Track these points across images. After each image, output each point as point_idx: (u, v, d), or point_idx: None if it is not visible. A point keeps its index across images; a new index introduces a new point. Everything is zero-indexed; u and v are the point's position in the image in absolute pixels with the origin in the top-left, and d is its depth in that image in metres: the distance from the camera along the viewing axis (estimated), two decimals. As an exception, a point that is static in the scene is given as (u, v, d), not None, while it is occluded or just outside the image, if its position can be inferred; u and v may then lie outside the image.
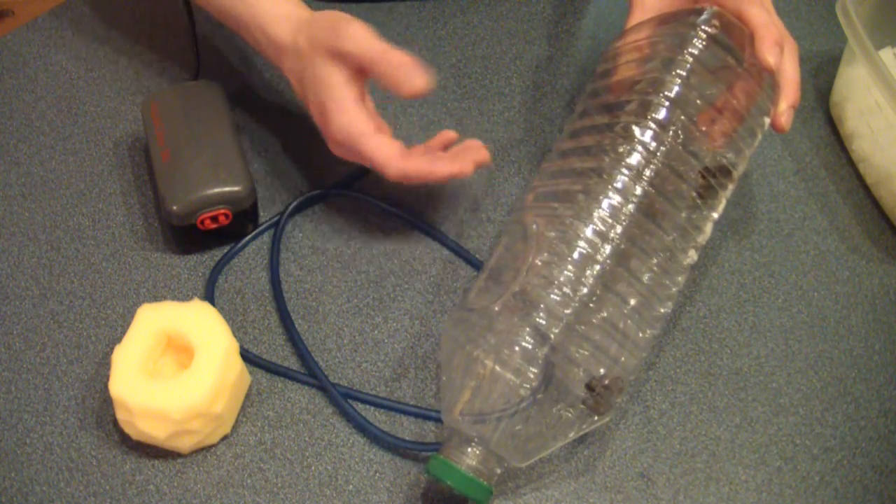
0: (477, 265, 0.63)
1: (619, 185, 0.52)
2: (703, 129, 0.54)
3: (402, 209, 0.65)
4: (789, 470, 0.55)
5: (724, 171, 0.55)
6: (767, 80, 0.56)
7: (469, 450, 0.49)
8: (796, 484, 0.55)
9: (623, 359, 0.50)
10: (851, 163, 0.71)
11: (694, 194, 0.54)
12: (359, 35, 0.54)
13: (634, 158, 0.52)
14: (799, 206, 0.68)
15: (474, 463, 0.48)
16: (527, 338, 0.48)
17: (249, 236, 0.63)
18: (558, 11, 0.80)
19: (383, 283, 0.62)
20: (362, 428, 0.55)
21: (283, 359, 0.58)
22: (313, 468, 0.54)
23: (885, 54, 0.71)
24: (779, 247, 0.66)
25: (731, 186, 0.56)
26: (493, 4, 0.80)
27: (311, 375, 0.57)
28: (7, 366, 0.57)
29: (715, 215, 0.55)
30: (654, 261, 0.52)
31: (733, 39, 0.56)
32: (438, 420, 0.56)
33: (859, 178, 0.70)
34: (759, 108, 0.57)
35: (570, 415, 0.49)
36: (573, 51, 0.77)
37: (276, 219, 0.64)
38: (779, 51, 0.54)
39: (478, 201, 0.67)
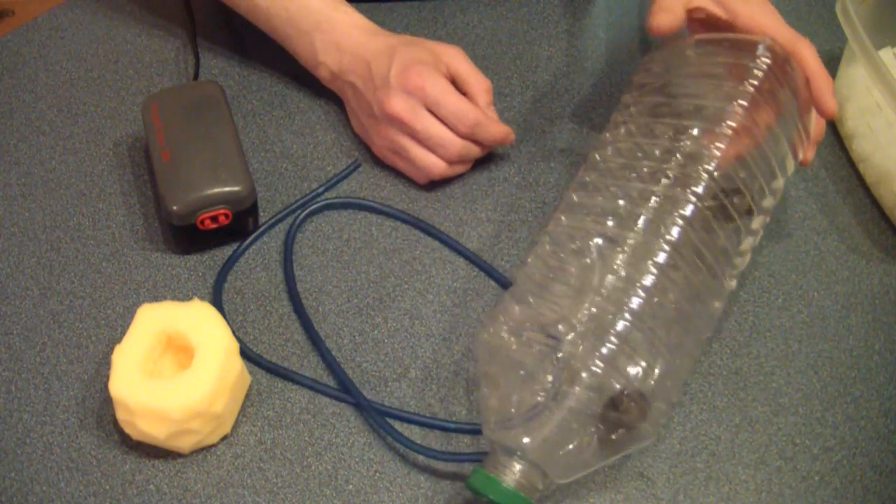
0: (477, 264, 0.63)
1: (676, 208, 0.52)
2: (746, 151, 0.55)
3: (404, 211, 0.65)
4: (789, 470, 0.55)
5: (761, 196, 0.56)
6: (794, 110, 0.58)
7: (512, 464, 0.48)
8: (796, 484, 0.55)
9: (653, 380, 0.50)
10: (851, 163, 0.71)
11: (738, 220, 0.54)
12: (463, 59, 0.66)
13: (699, 187, 0.52)
14: (799, 206, 0.68)
15: (517, 477, 0.48)
16: (563, 374, 0.48)
17: (253, 236, 0.63)
18: (559, 11, 0.80)
19: (383, 283, 0.62)
20: (399, 442, 0.54)
21: (282, 359, 0.58)
22: (313, 468, 0.54)
23: (885, 54, 0.71)
24: (779, 247, 0.66)
25: (769, 215, 0.57)
26: (493, 4, 0.80)
27: (344, 391, 0.56)
28: (7, 366, 0.57)
29: (754, 240, 0.56)
30: (694, 284, 0.52)
31: (779, 70, 0.57)
32: (471, 432, 0.55)
33: (859, 177, 0.70)
34: (790, 139, 0.58)
35: (609, 434, 0.49)
36: (574, 51, 0.77)
37: (277, 218, 0.64)
38: (834, 98, 0.58)
39: (477, 201, 0.67)
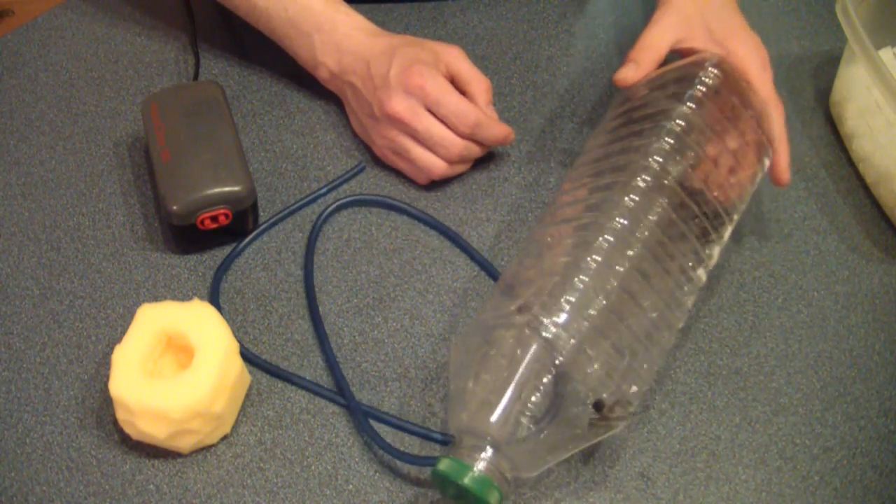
0: (479, 262, 0.63)
1: (632, 211, 0.52)
2: (715, 172, 0.56)
3: (424, 211, 0.66)
4: (789, 470, 0.55)
5: (726, 212, 0.57)
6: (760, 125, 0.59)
7: (482, 451, 0.48)
8: (796, 484, 0.55)
9: (631, 380, 0.50)
10: (851, 163, 0.71)
11: (706, 225, 0.55)
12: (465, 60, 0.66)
13: (648, 182, 0.53)
14: (799, 206, 0.68)
15: (486, 464, 0.48)
16: (538, 356, 0.48)
17: (252, 235, 0.63)
18: (558, 11, 0.80)
19: (383, 283, 0.62)
20: (380, 446, 0.54)
21: (282, 359, 0.58)
22: (313, 468, 0.54)
23: (885, 54, 0.71)
24: (779, 247, 0.66)
25: (735, 217, 0.58)
26: (493, 4, 0.80)
27: (340, 392, 0.56)
28: (7, 366, 0.57)
29: (723, 241, 0.57)
30: (663, 287, 0.52)
31: (733, 88, 0.59)
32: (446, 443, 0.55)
33: (859, 177, 0.70)
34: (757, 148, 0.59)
35: (579, 431, 0.49)
36: (573, 51, 0.77)
37: (277, 219, 0.64)
38: (791, 170, 0.61)
39: (477, 201, 0.67)
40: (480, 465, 0.48)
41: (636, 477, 0.54)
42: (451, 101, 0.62)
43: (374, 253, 0.63)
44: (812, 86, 0.76)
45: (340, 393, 0.56)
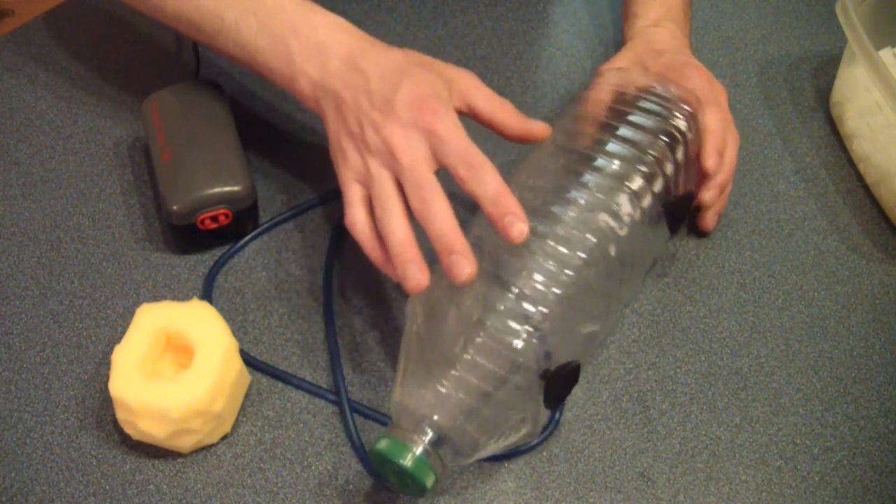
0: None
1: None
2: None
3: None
4: (789, 470, 0.55)
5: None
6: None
7: (420, 433, 0.47)
8: (796, 484, 0.55)
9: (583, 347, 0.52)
10: (851, 163, 0.71)
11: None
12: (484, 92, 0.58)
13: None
14: (799, 206, 0.68)
15: (423, 446, 0.47)
16: (477, 330, 0.48)
17: (249, 236, 0.63)
18: (558, 11, 0.81)
19: (383, 282, 0.62)
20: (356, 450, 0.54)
21: (282, 358, 0.58)
22: (313, 468, 0.54)
23: (885, 54, 0.71)
24: (779, 247, 0.66)
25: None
26: (493, 4, 0.80)
27: (335, 393, 0.56)
28: (7, 366, 0.57)
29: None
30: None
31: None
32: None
33: (859, 178, 0.70)
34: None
35: (519, 405, 0.49)
36: (573, 51, 0.77)
37: (276, 220, 0.64)
38: (718, 158, 0.60)
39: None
40: (419, 447, 0.47)
41: (636, 477, 0.54)
42: (459, 143, 0.53)
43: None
44: (812, 86, 0.76)
45: (336, 393, 0.56)
